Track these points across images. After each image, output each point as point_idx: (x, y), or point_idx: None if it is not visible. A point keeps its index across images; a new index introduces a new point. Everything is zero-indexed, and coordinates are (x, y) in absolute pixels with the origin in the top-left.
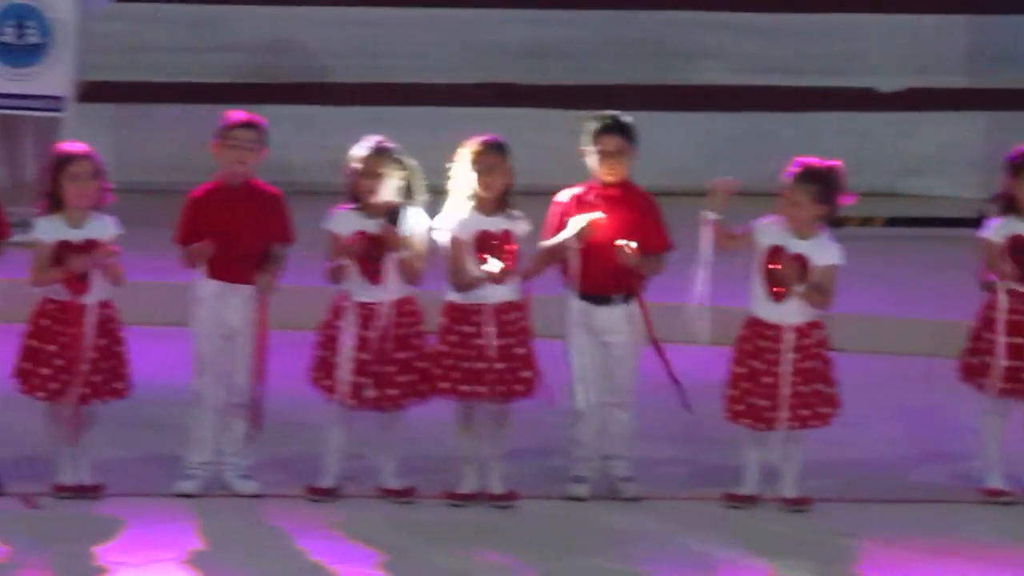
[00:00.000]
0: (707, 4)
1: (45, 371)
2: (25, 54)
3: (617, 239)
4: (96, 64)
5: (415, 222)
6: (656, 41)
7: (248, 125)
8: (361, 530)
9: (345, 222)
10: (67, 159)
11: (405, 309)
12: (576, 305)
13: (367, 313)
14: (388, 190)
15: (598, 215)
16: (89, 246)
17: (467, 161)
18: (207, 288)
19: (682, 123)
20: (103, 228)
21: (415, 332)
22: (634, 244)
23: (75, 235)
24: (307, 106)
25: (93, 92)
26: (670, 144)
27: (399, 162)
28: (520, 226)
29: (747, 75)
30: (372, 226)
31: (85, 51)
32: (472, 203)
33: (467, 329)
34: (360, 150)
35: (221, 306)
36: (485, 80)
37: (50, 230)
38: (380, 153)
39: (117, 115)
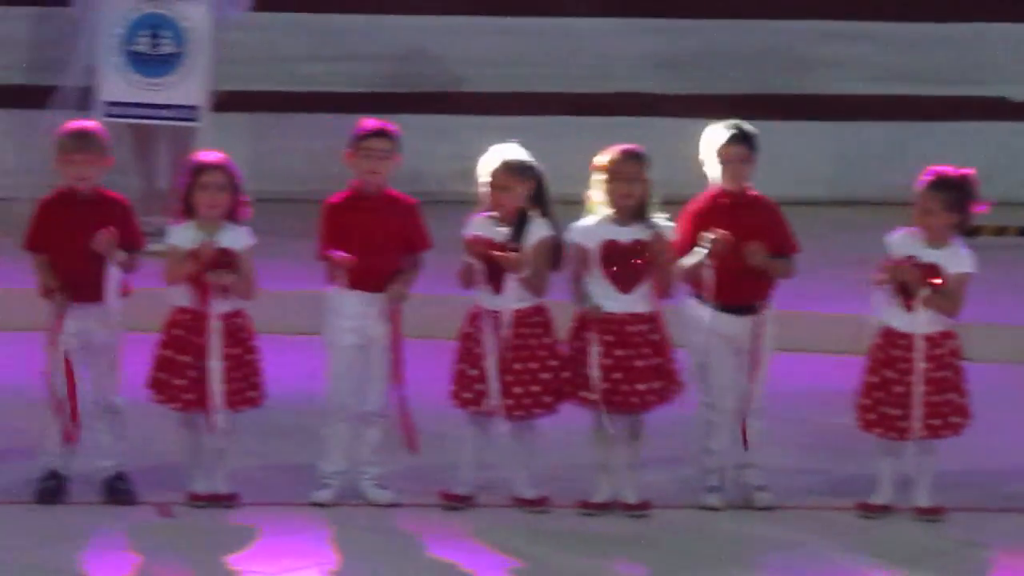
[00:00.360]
0: (840, 14)
1: (179, 381)
2: (159, 64)
3: (745, 246)
4: (230, 74)
5: (539, 232)
6: (789, 51)
7: (381, 133)
8: (494, 539)
9: (480, 228)
10: (200, 168)
11: (531, 319)
12: (708, 315)
13: (494, 321)
14: (514, 200)
15: (726, 233)
16: (222, 255)
17: (605, 170)
18: (342, 297)
19: (814, 133)
20: (236, 238)
21: (541, 342)
22: (760, 245)
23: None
24: (441, 115)
25: (228, 102)
26: (802, 154)
27: (527, 172)
28: (657, 236)
29: (879, 84)
30: (500, 234)
31: (219, 61)
32: (608, 213)
33: (606, 338)
34: (488, 161)
35: (356, 315)
36: (620, 90)
37: (184, 237)
38: (506, 165)
39: (252, 125)
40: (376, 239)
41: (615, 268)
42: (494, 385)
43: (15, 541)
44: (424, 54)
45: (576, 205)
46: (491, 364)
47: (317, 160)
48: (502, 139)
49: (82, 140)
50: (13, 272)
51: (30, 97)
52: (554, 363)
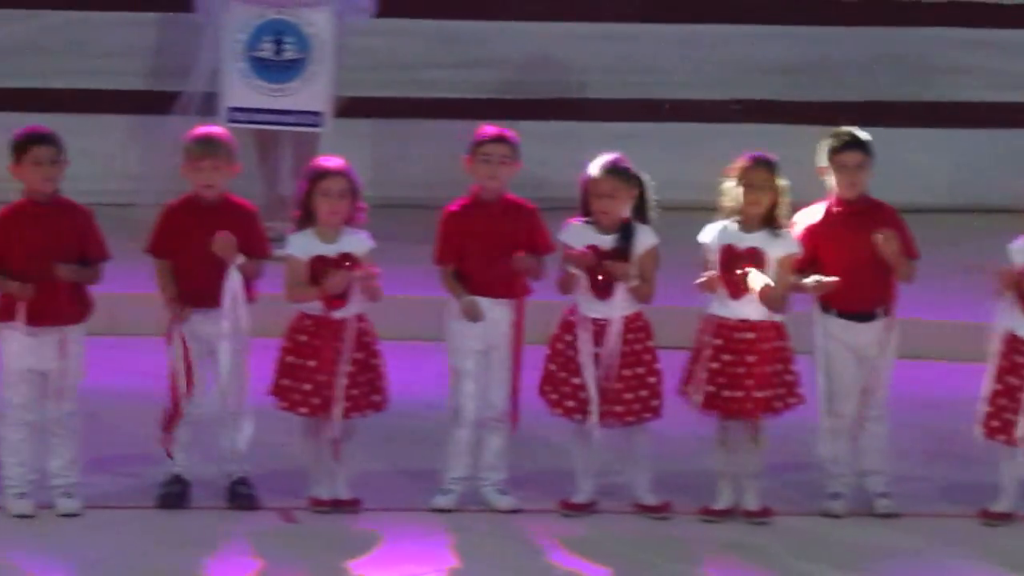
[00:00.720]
0: (965, 21)
1: (306, 387)
2: (283, 70)
3: (865, 255)
4: (353, 80)
5: (647, 240)
6: (913, 57)
7: (499, 139)
8: (614, 545)
9: (578, 235)
10: (321, 175)
11: (634, 325)
12: (834, 323)
13: (596, 329)
14: (620, 207)
15: (833, 280)
16: (344, 260)
17: (735, 177)
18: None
19: (934, 140)
20: (357, 243)
21: (645, 347)
22: (893, 233)
23: (329, 250)
24: (563, 122)
25: (351, 108)
26: (922, 161)
27: (633, 180)
28: (778, 246)
29: (999, 92)
30: (604, 242)
31: (342, 67)
32: (738, 219)
33: (716, 343)
34: (595, 168)
35: (479, 321)
36: (738, 96)
37: (303, 246)
38: (613, 172)
39: (374, 131)
40: (496, 245)
41: (730, 274)
42: (592, 393)
43: (140, 546)
44: (546, 61)
45: (695, 212)
46: (588, 373)
47: (439, 166)
48: (620, 146)
49: (209, 146)
50: (135, 277)
51: (153, 103)
52: (658, 367)
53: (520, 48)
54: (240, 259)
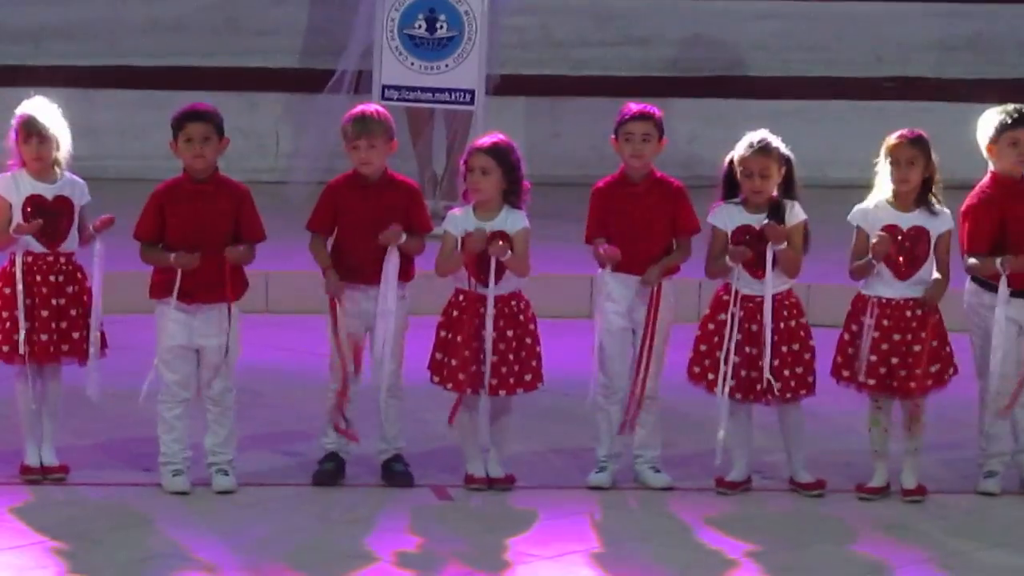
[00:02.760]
0: None
1: (453, 362)
2: (436, 48)
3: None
4: (506, 58)
5: (798, 216)
6: None
7: (642, 117)
8: (767, 523)
9: (728, 215)
10: (470, 152)
11: (787, 303)
12: (994, 299)
13: (750, 307)
14: (771, 185)
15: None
16: (496, 237)
17: (887, 154)
18: (612, 280)
19: None
20: (512, 221)
21: (799, 323)
22: None
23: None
24: (716, 100)
25: (504, 86)
26: None
27: (782, 158)
28: (937, 223)
29: None
30: (755, 221)
31: (495, 45)
32: (890, 197)
33: (868, 321)
34: (743, 147)
35: (625, 298)
36: (895, 74)
37: (458, 224)
38: (763, 150)
39: (527, 109)
40: (642, 223)
41: (896, 253)
42: (745, 371)
43: (295, 523)
44: (700, 39)
45: (850, 190)
46: (746, 350)
47: (592, 145)
48: (776, 124)
49: (365, 125)
50: (292, 255)
51: (307, 81)
52: (812, 343)
53: (674, 26)
54: (407, 242)
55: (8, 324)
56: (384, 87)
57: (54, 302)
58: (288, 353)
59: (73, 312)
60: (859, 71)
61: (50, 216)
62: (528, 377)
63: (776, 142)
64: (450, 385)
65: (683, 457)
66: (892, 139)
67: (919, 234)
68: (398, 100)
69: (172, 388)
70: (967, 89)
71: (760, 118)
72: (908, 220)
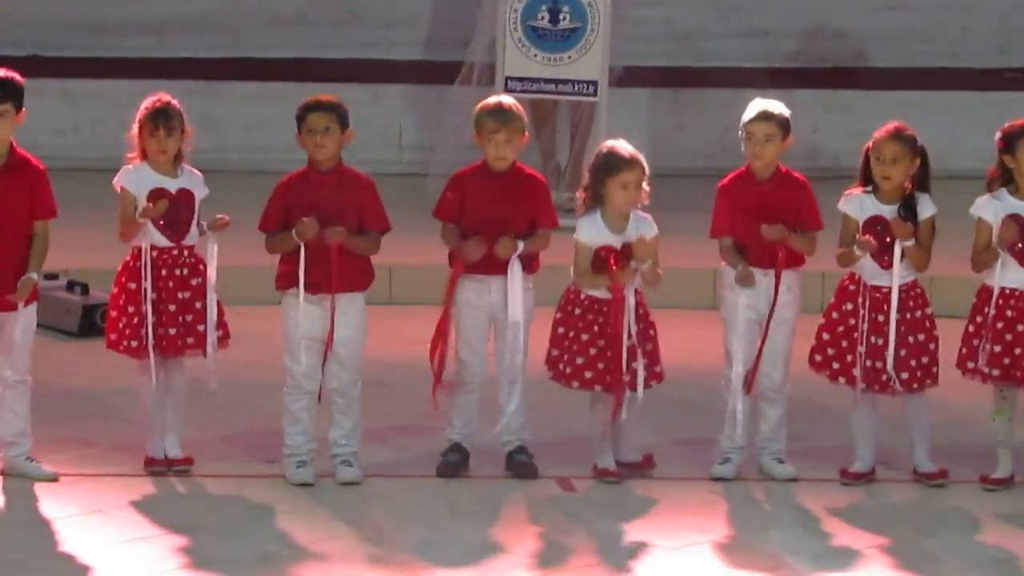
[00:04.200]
0: None
1: (580, 360)
2: (560, 39)
3: None
4: (629, 50)
5: (928, 209)
6: None
7: (764, 117)
8: (892, 514)
9: (858, 204)
10: (617, 164)
11: (912, 293)
12: None
13: (876, 297)
14: (902, 174)
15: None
16: (626, 250)
17: (1003, 146)
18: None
19: None
20: (644, 228)
21: (924, 313)
22: None
23: (615, 240)
24: (838, 91)
25: (627, 77)
26: None
27: (916, 148)
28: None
29: None
30: (887, 212)
31: (619, 36)
32: (1014, 188)
33: (990, 311)
34: (880, 133)
35: (751, 291)
36: (1017, 65)
37: (591, 233)
38: (899, 138)
39: (650, 100)
40: (768, 219)
41: (1020, 245)
42: (871, 361)
43: (419, 514)
44: (823, 30)
45: (972, 180)
46: (872, 340)
47: (716, 135)
48: (898, 115)
49: (504, 118)
50: (417, 247)
51: (433, 73)
52: (936, 334)
53: (797, 18)
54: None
55: (136, 319)
56: (507, 79)
57: (179, 295)
58: (412, 345)
59: (198, 305)
60: (982, 62)
61: (174, 209)
62: (657, 369)
63: (911, 131)
64: (575, 383)
65: (810, 449)
66: (1009, 128)
67: None
68: (521, 92)
69: (298, 380)
70: None
71: (882, 109)
72: None
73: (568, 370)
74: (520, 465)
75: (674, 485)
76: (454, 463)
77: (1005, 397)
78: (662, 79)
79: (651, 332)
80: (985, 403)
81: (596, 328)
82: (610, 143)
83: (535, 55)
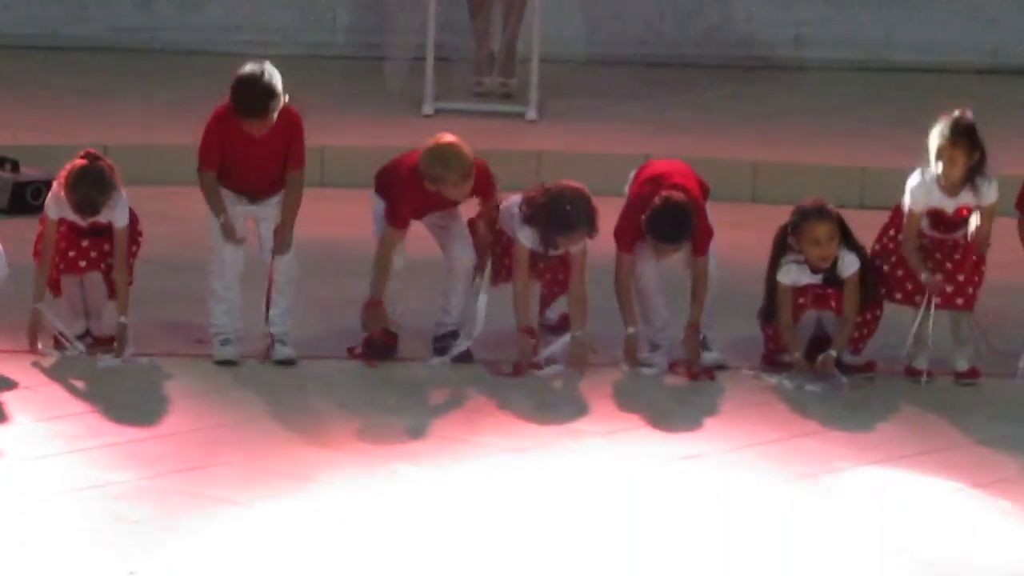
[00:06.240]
0: None
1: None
2: None
3: None
4: None
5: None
6: None
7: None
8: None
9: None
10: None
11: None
12: None
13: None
14: None
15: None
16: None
17: None
18: None
19: None
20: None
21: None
22: None
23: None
24: None
25: None
26: None
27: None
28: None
29: None
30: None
31: None
32: None
33: None
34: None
35: None
36: None
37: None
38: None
39: None
40: None
41: None
42: None
43: (359, 395)
44: None
45: (909, 73)
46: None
47: (652, 23)
48: (833, 5)
49: None
50: (346, 129)
51: None
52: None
53: None
54: None
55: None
56: None
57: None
58: (344, 226)
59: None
60: None
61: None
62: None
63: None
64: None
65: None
66: None
67: None
68: None
69: (223, 257)
70: None
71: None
72: None
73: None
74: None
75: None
76: (380, 345)
77: None
78: None
79: None
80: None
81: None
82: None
83: None
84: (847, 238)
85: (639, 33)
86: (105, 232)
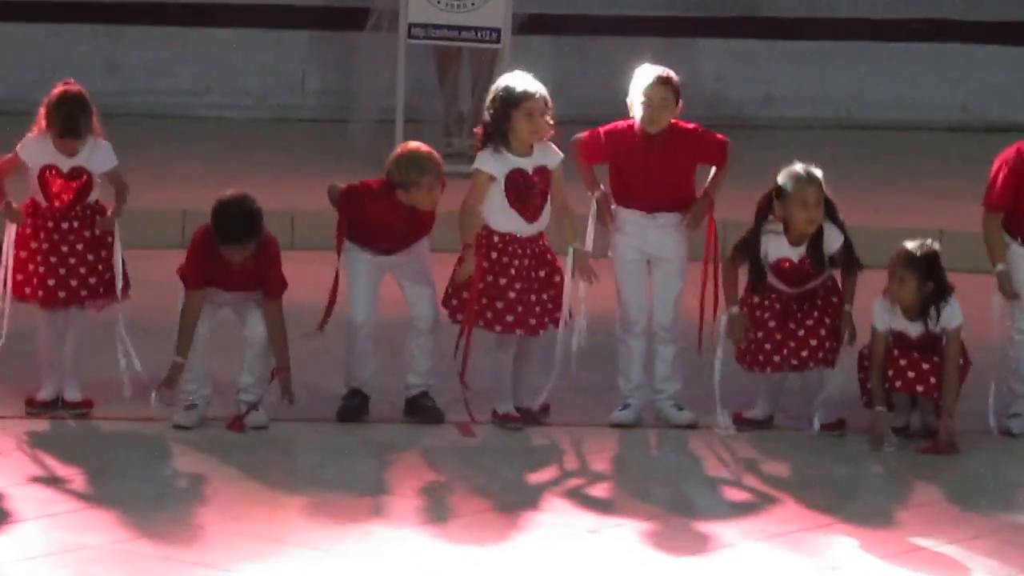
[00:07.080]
0: None
1: (500, 304)
2: None
3: None
4: None
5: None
6: None
7: (663, 83)
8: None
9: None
10: (521, 97)
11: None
12: None
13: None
14: None
15: None
16: (538, 173)
17: None
18: (623, 215)
19: None
20: (549, 157)
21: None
22: None
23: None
24: (742, 40)
25: (531, 24)
26: None
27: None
28: None
29: None
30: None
31: None
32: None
33: None
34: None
35: (636, 233)
36: (919, 15)
37: (496, 165)
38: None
39: (554, 48)
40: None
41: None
42: None
43: (312, 458)
44: None
45: (878, 131)
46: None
47: (620, 84)
48: (802, 64)
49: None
50: (317, 193)
51: (336, 18)
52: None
53: None
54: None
55: (31, 267)
56: (411, 25)
57: (76, 247)
58: (313, 290)
59: (90, 257)
60: (887, 12)
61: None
62: (557, 315)
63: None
64: (499, 328)
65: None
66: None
67: None
68: (424, 39)
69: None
70: (989, 30)
71: (786, 58)
72: None
73: (489, 315)
74: (425, 409)
75: (573, 431)
76: (353, 407)
77: None
78: (566, 26)
79: (556, 278)
80: None
81: (512, 271)
82: (507, 78)
83: (438, 1)
84: (830, 210)
85: (606, 93)
86: (89, 244)
